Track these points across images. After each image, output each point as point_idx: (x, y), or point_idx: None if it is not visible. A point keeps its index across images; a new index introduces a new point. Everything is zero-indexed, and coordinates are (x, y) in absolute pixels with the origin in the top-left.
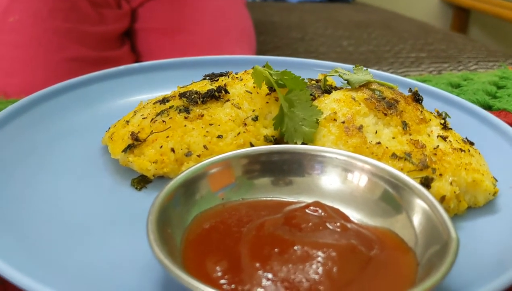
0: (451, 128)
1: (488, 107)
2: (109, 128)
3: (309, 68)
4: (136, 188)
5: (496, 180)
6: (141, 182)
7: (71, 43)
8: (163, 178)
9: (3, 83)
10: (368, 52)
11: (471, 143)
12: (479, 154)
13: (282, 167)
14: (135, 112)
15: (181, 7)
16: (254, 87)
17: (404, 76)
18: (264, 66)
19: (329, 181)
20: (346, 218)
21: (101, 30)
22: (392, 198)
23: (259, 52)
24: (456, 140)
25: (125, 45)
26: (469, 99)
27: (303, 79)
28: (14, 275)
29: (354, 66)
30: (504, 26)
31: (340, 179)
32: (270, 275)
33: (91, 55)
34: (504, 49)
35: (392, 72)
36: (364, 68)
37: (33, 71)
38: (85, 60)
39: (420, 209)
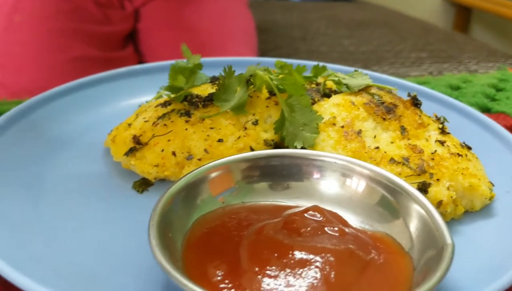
0: (449, 133)
1: (487, 110)
2: (111, 131)
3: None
4: (138, 191)
5: (493, 185)
6: (143, 184)
7: (76, 42)
8: (164, 181)
9: (10, 82)
10: (369, 52)
11: (469, 148)
12: (476, 158)
13: (282, 171)
14: (137, 115)
15: (183, 6)
16: (254, 91)
17: (405, 76)
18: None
19: (328, 186)
20: (345, 223)
21: (106, 31)
22: (389, 203)
23: (260, 51)
24: (454, 145)
25: (130, 45)
26: (468, 102)
27: (303, 84)
28: (16, 277)
29: (354, 70)
30: (506, 25)
31: (338, 184)
32: (269, 280)
33: (96, 55)
34: (506, 48)
35: (392, 73)
36: (364, 72)
37: (39, 70)
38: (90, 60)
39: (416, 214)
